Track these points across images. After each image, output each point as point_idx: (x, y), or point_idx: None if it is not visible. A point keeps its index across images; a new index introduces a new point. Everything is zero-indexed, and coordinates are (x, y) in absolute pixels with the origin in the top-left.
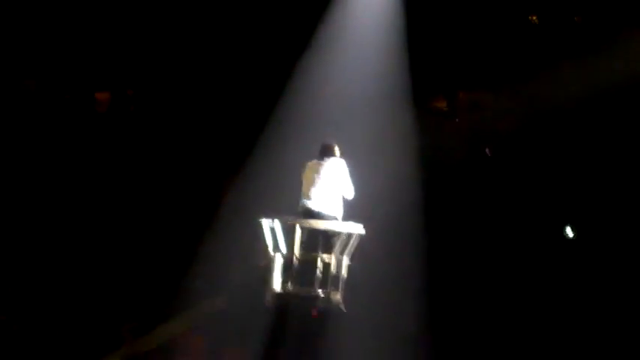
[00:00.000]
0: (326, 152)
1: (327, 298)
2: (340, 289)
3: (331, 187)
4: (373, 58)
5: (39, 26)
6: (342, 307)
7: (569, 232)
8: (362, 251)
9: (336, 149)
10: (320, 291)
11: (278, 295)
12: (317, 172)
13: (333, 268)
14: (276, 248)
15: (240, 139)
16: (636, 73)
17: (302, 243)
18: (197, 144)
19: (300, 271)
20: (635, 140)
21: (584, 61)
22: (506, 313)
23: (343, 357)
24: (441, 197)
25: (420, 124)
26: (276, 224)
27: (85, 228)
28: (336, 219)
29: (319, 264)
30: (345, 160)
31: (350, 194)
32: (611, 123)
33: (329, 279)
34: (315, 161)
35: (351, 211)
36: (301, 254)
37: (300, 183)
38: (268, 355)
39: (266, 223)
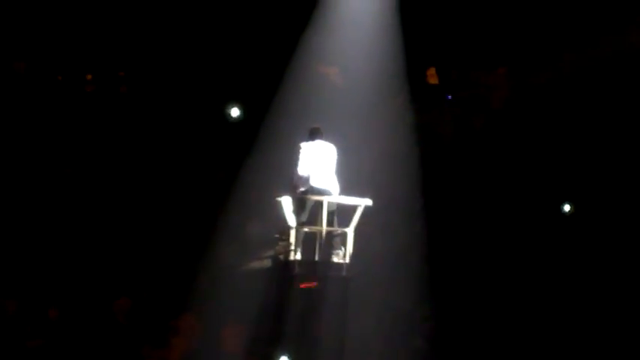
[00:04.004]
0: (316, 134)
1: (337, 266)
2: (347, 258)
3: (328, 166)
4: (367, 36)
5: (28, 8)
6: (349, 274)
7: (567, 207)
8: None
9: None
10: (331, 259)
11: (297, 262)
12: (314, 152)
13: (340, 239)
14: (293, 222)
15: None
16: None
17: (311, 217)
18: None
19: (311, 242)
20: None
21: (579, 37)
22: (502, 288)
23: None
24: (437, 174)
25: (413, 101)
26: (292, 201)
27: (83, 205)
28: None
29: (328, 235)
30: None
31: None
32: (604, 99)
33: (337, 249)
34: (309, 143)
35: (348, 188)
36: (311, 227)
37: (296, 163)
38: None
39: (284, 200)
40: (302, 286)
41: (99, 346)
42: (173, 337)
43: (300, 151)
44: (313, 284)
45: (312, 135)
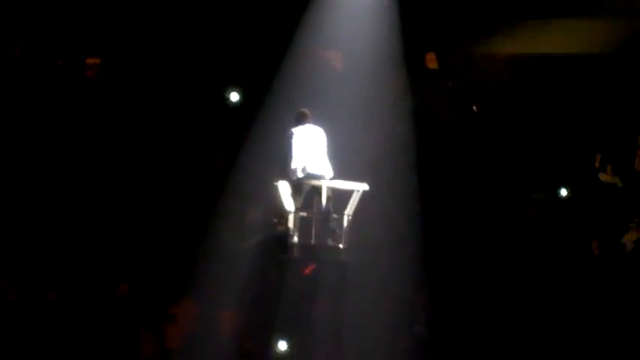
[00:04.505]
0: (305, 119)
1: (334, 249)
2: (344, 242)
3: (322, 150)
4: (367, 20)
5: None
6: (346, 257)
7: (564, 192)
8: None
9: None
10: (329, 243)
11: (296, 245)
12: (307, 138)
13: (336, 223)
14: (291, 207)
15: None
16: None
17: (305, 202)
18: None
19: (309, 226)
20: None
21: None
22: (501, 273)
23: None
24: (434, 158)
25: (411, 86)
26: (289, 185)
27: (82, 192)
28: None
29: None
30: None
31: None
32: (600, 81)
33: (336, 232)
34: (300, 128)
35: (346, 173)
36: (308, 211)
37: (290, 149)
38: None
39: (282, 185)
40: (305, 272)
41: (97, 330)
42: (171, 322)
43: (293, 136)
44: (312, 267)
45: (301, 119)
